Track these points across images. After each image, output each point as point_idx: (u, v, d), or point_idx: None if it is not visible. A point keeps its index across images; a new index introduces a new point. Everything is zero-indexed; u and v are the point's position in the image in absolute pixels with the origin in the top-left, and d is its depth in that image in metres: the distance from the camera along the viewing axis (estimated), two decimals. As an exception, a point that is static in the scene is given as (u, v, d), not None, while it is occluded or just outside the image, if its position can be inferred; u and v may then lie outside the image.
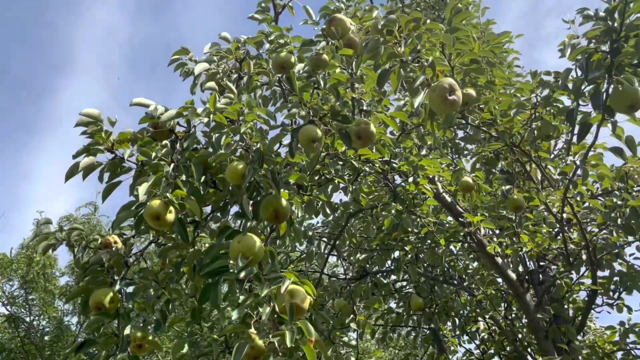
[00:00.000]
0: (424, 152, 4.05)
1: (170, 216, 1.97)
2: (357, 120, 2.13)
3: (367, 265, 4.56)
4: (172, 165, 2.12)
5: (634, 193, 3.35)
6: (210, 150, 2.33)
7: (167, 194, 1.99)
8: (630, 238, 3.84)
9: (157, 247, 2.75)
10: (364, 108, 2.17)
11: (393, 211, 3.87)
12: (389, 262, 4.13)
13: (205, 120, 2.25)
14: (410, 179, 3.69)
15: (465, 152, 4.87)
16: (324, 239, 3.65)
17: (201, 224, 2.52)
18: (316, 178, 3.11)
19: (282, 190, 2.13)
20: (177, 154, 2.30)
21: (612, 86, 2.26)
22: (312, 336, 1.64)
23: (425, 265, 4.69)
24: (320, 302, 3.89)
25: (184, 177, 2.16)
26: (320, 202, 3.31)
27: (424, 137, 3.55)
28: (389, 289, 4.79)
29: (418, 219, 3.96)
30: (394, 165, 3.70)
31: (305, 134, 2.04)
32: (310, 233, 3.47)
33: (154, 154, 2.15)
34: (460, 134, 4.55)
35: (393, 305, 5.13)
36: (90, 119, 2.11)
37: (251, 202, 2.19)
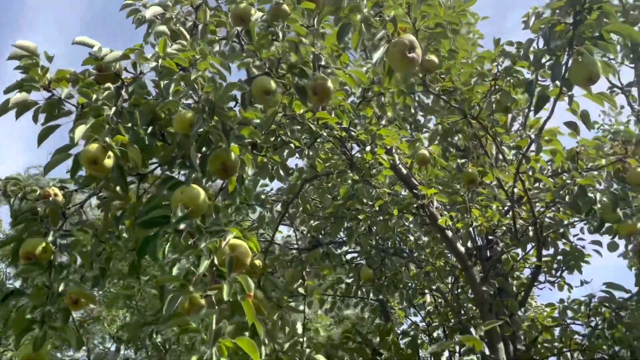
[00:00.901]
0: (383, 122, 4.01)
1: (109, 162, 1.85)
2: (314, 76, 2.04)
3: (320, 236, 4.53)
4: (113, 109, 1.98)
5: (583, 173, 3.42)
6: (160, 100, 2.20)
7: (107, 139, 1.86)
8: (576, 218, 3.95)
9: (99, 200, 2.61)
10: (322, 63, 2.08)
11: (349, 181, 3.83)
12: (342, 232, 4.11)
13: (154, 64, 2.11)
14: (368, 148, 3.65)
15: (424, 130, 4.87)
16: (277, 206, 3.58)
17: (146, 177, 2.40)
18: (272, 139, 3.02)
19: (232, 144, 2.03)
20: (122, 101, 2.16)
21: (572, 59, 2.25)
22: (250, 291, 1.57)
23: (378, 237, 4.71)
24: (270, 268, 3.84)
25: (128, 125, 2.03)
26: (275, 166, 3.22)
27: (384, 106, 3.50)
28: (340, 259, 4.79)
29: (373, 190, 3.93)
30: (353, 133, 3.65)
31: (258, 85, 1.94)
32: (263, 196, 3.38)
33: (95, 96, 2.00)
34: (422, 115, 4.54)
35: (343, 276, 5.15)
36: (25, 52, 1.93)
37: (199, 155, 2.09)
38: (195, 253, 1.65)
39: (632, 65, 5.18)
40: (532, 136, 2.77)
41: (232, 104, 2.36)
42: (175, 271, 1.79)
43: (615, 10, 2.23)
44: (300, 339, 3.13)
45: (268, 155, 2.82)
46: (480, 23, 4.20)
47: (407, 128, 4.64)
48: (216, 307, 1.49)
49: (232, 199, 2.43)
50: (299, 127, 3.07)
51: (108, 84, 2.12)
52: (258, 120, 2.57)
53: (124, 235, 2.42)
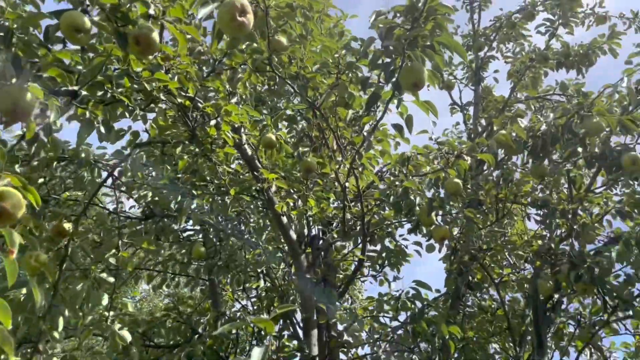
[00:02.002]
0: (235, 100, 3.90)
1: None
2: (140, 23, 1.86)
3: (156, 207, 4.28)
4: None
5: (410, 177, 3.65)
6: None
7: None
8: (404, 218, 4.23)
9: None
10: (151, 12, 1.91)
11: (186, 156, 3.67)
12: (173, 205, 3.92)
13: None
14: (213, 122, 3.52)
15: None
16: (102, 166, 3.28)
17: None
18: (99, 93, 2.74)
19: (33, 84, 1.78)
20: None
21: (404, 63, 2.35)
22: (14, 247, 1.37)
23: (220, 216, 4.60)
24: (88, 235, 3.52)
25: None
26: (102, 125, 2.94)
27: (234, 82, 3.39)
28: (177, 235, 4.60)
29: (217, 167, 3.81)
30: (199, 104, 3.49)
31: (68, 20, 1.71)
32: (83, 155, 3.07)
33: None
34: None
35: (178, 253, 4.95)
36: None
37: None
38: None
39: (473, 88, 5.69)
40: (365, 134, 2.87)
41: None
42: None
43: (449, 23, 2.36)
44: (106, 313, 2.91)
45: (90, 109, 2.55)
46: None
47: (262, 110, 4.59)
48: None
49: (36, 149, 2.15)
50: (136, 86, 2.83)
51: None
52: (81, 68, 2.31)
53: None
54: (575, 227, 3.92)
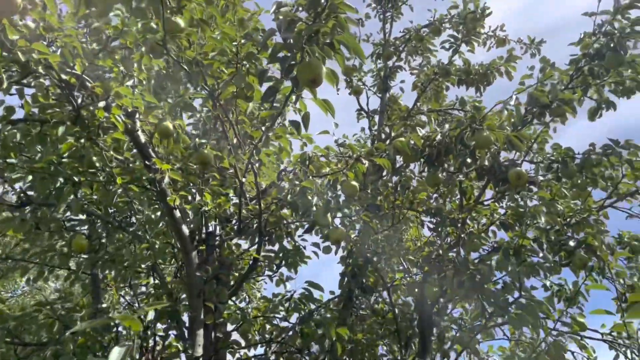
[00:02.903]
0: (130, 82, 3.65)
1: None
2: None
3: (32, 193, 3.90)
4: None
5: (311, 177, 3.62)
6: None
7: None
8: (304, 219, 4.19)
9: None
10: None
11: (71, 138, 3.37)
12: (50, 192, 3.59)
13: None
14: (102, 104, 3.26)
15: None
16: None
17: None
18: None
19: None
20: None
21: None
22: None
23: (110, 208, 4.30)
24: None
25: None
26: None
27: (128, 62, 3.16)
28: (59, 224, 4.23)
29: (102, 153, 3.54)
30: (88, 83, 3.22)
31: None
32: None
33: None
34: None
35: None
36: None
37: None
38: None
39: (380, 95, 5.81)
40: (263, 129, 2.78)
41: None
42: None
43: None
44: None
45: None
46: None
47: (164, 96, 4.34)
48: None
49: None
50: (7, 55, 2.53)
51: None
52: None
53: None
54: (462, 235, 4.09)
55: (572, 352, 4.17)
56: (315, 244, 4.69)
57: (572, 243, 3.71)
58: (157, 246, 3.91)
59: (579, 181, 4.34)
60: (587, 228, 4.08)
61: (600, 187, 4.29)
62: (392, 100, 5.69)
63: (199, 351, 3.44)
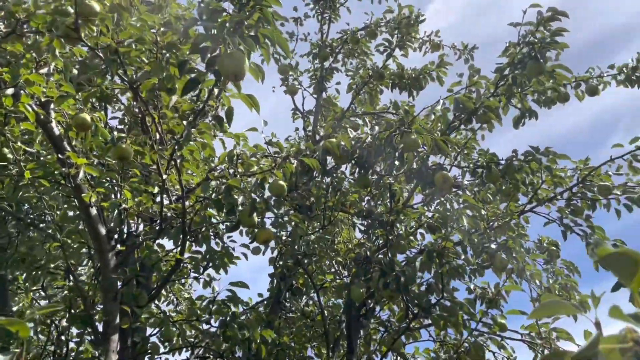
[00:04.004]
0: (45, 70, 3.40)
1: None
2: None
3: None
4: None
5: (239, 176, 3.51)
6: None
7: None
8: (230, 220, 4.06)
9: None
10: None
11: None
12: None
13: None
14: (10, 91, 3.01)
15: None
16: None
17: None
18: None
19: None
20: None
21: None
22: None
23: (21, 204, 3.99)
24: None
25: None
26: None
27: (39, 48, 2.92)
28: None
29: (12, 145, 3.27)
30: (-6, 68, 2.95)
31: None
32: None
33: None
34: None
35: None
36: None
37: None
38: None
39: (316, 96, 5.78)
40: (184, 123, 2.65)
41: None
42: None
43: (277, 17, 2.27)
44: None
45: None
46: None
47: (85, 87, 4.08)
48: None
49: None
50: None
51: None
52: None
53: None
54: (390, 237, 4.12)
55: (493, 353, 4.29)
56: (245, 245, 4.59)
57: (493, 246, 3.82)
58: (70, 246, 3.65)
59: (504, 187, 4.49)
60: (508, 232, 4.23)
61: (521, 193, 4.45)
62: (328, 101, 5.68)
63: (113, 357, 3.24)
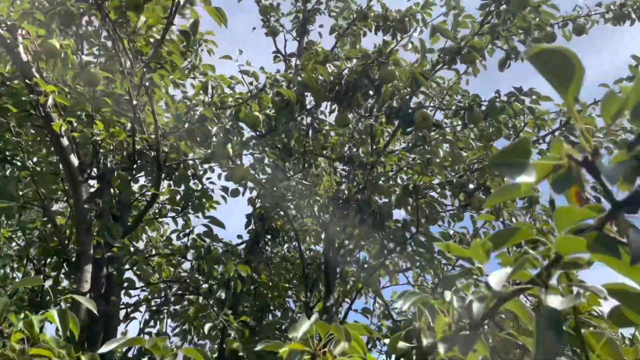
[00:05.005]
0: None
1: None
2: None
3: None
4: None
5: (214, 108, 3.43)
6: None
7: None
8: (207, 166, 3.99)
9: None
10: None
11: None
12: None
13: None
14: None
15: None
16: None
17: None
18: None
19: None
20: None
21: None
22: None
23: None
24: None
25: None
26: None
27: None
28: None
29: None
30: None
31: None
32: None
33: None
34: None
35: None
36: None
37: None
38: None
39: (298, 39, 5.65)
40: (152, 40, 2.55)
41: None
42: None
43: None
44: None
45: None
46: None
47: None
48: None
49: None
50: None
51: None
52: None
53: None
54: (370, 178, 4.09)
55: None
56: (225, 188, 4.54)
57: (471, 186, 3.80)
58: (41, 174, 3.58)
59: (485, 132, 4.45)
60: (488, 175, 4.21)
61: (504, 136, 4.41)
62: (310, 44, 5.53)
63: (86, 287, 3.23)
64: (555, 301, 0.80)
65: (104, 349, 1.65)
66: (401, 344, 1.55)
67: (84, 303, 1.83)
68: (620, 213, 0.82)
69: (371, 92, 3.24)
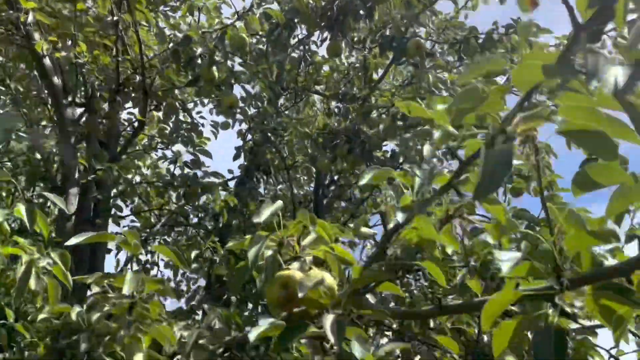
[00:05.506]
0: None
1: None
2: None
3: None
4: None
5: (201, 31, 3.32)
6: None
7: None
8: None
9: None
10: None
11: None
12: None
13: None
14: None
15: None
16: None
17: None
18: None
19: None
20: None
21: None
22: None
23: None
24: None
25: None
26: None
27: None
28: None
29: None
30: None
31: None
32: None
33: None
34: None
35: None
36: None
37: None
38: None
39: None
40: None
41: None
42: None
43: None
44: None
45: None
46: None
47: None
48: None
49: None
50: None
51: None
52: None
53: None
54: (362, 111, 4.01)
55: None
56: (215, 123, 4.47)
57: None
58: (23, 94, 3.51)
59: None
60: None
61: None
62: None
63: (71, 209, 3.22)
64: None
65: (71, 241, 1.63)
66: (364, 229, 1.54)
67: (54, 200, 1.80)
68: (582, 36, 0.77)
69: (362, 12, 3.12)
